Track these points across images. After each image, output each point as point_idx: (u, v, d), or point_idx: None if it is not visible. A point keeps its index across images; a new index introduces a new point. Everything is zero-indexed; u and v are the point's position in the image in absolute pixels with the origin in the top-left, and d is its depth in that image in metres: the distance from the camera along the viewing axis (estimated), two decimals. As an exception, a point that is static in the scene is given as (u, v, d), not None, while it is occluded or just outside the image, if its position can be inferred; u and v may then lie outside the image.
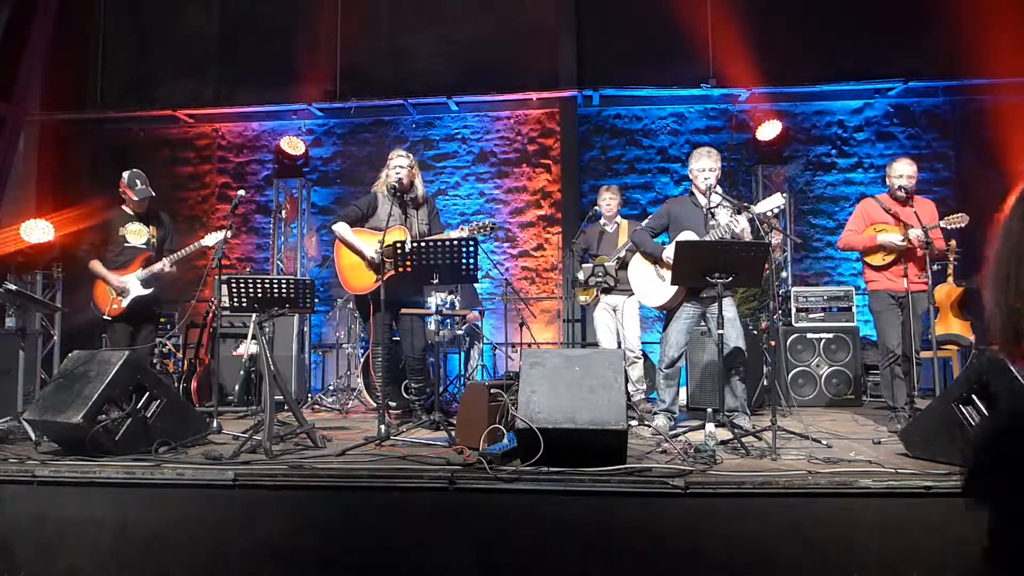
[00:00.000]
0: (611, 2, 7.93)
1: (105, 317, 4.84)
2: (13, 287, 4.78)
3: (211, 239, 4.88)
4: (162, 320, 5.70)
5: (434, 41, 8.03)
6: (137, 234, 4.97)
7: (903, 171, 4.39)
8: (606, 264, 5.31)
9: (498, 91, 7.78)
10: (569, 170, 7.86)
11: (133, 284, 4.84)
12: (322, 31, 8.06)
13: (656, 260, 4.42)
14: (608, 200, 5.49)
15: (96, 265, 4.86)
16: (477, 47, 7.96)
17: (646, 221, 4.65)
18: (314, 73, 7.96)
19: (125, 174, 4.92)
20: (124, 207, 4.98)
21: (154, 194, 4.99)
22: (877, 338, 4.62)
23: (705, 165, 4.26)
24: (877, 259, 4.48)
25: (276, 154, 7.69)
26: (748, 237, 4.18)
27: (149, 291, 4.89)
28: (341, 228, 4.60)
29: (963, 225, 4.23)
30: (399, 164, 4.60)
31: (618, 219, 5.52)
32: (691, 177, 4.39)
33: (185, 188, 8.43)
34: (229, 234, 4.79)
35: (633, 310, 5.29)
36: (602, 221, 5.57)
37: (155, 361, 5.71)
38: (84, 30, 8.52)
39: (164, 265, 4.87)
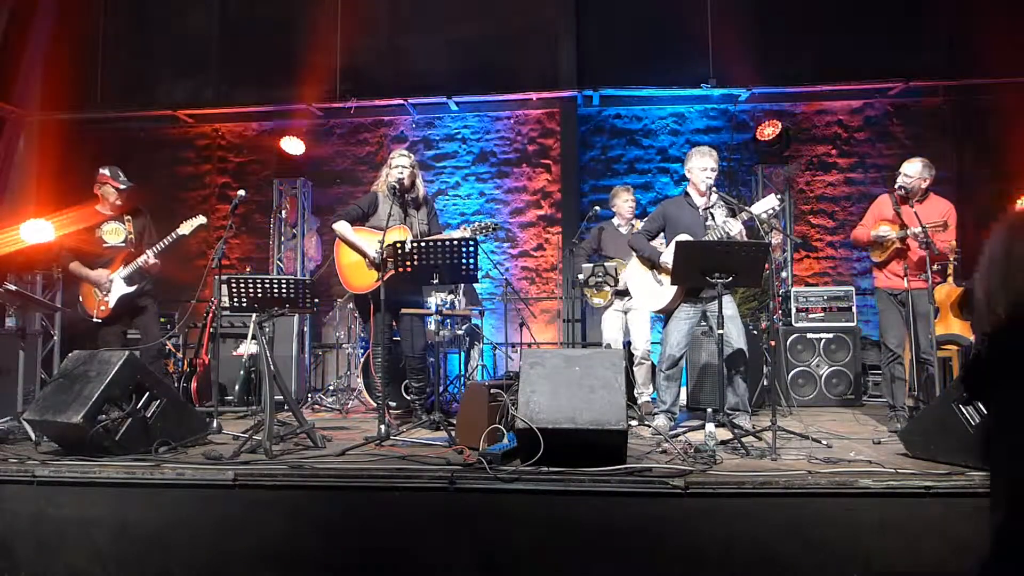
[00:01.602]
0: (611, 2, 7.92)
1: (95, 320, 4.81)
2: (13, 287, 4.78)
3: (186, 227, 4.85)
4: (162, 320, 5.69)
5: (434, 41, 8.02)
6: (114, 233, 4.95)
7: (904, 170, 4.45)
8: (606, 264, 5.30)
9: (498, 91, 7.77)
10: (569, 170, 7.85)
11: (116, 282, 4.83)
12: (322, 31, 8.04)
13: (653, 264, 4.41)
14: (628, 201, 5.47)
15: (76, 266, 4.84)
16: (477, 47, 7.95)
17: (642, 224, 4.64)
18: (314, 73, 7.95)
19: (104, 169, 4.93)
20: (98, 207, 4.97)
21: (133, 183, 4.99)
22: (879, 336, 4.64)
23: (707, 164, 4.26)
24: (876, 255, 4.56)
25: (276, 154, 7.68)
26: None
27: (133, 288, 4.86)
28: (342, 227, 4.59)
29: (943, 230, 4.25)
30: (401, 164, 4.60)
31: (634, 220, 5.49)
32: (689, 176, 4.37)
33: (185, 188, 8.43)
34: (204, 220, 4.79)
35: (644, 311, 5.25)
36: (616, 221, 5.53)
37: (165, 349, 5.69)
38: (84, 30, 8.50)
39: (148, 257, 4.82)
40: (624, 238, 5.46)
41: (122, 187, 4.89)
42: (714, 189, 4.25)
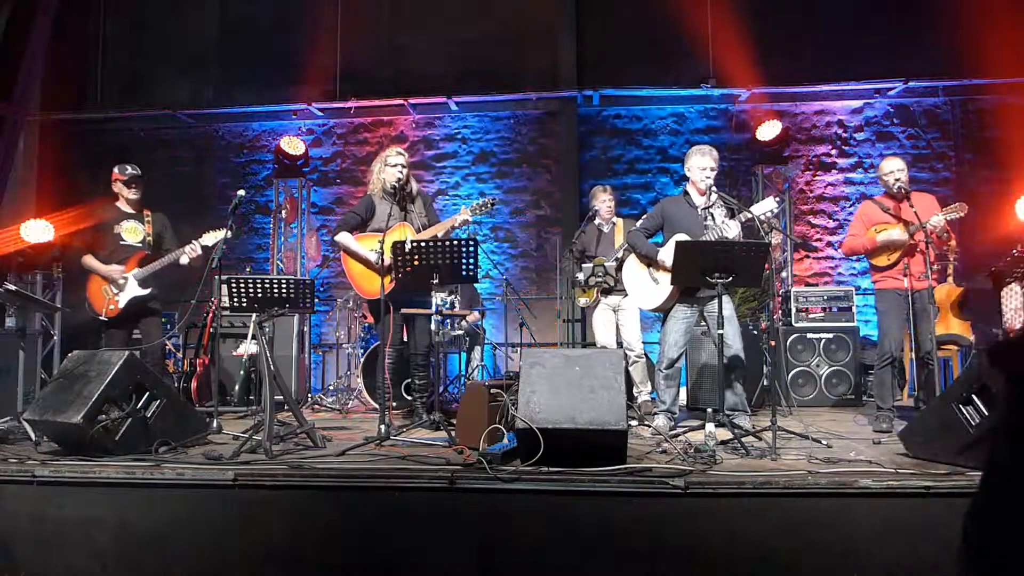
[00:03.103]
0: (611, 2, 7.92)
1: (102, 319, 4.79)
2: (13, 287, 4.77)
3: (210, 238, 4.81)
4: (163, 321, 5.69)
5: (434, 41, 8.02)
6: (132, 232, 4.92)
7: (893, 167, 4.42)
8: (606, 264, 5.30)
9: (498, 91, 7.77)
10: (569, 170, 7.85)
11: (131, 283, 4.81)
12: (322, 31, 8.05)
13: (650, 262, 4.41)
14: (606, 201, 5.48)
15: (89, 259, 4.80)
16: (477, 47, 7.95)
17: (640, 222, 4.64)
18: (314, 73, 7.96)
19: (118, 167, 4.93)
20: (118, 204, 4.95)
21: (145, 177, 5.00)
22: (877, 337, 4.61)
23: (707, 164, 4.25)
24: (882, 260, 4.48)
25: (276, 154, 7.68)
26: None
27: (147, 291, 4.85)
28: (344, 238, 4.58)
29: (962, 215, 4.23)
30: (399, 163, 4.59)
31: (615, 219, 5.51)
32: (689, 175, 4.36)
33: (185, 188, 8.43)
34: (229, 234, 4.75)
35: (633, 310, 5.26)
36: (598, 221, 5.55)
37: (166, 349, 5.67)
38: (84, 30, 8.51)
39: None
40: (607, 237, 5.47)
41: (126, 176, 4.89)
42: (714, 189, 4.25)
